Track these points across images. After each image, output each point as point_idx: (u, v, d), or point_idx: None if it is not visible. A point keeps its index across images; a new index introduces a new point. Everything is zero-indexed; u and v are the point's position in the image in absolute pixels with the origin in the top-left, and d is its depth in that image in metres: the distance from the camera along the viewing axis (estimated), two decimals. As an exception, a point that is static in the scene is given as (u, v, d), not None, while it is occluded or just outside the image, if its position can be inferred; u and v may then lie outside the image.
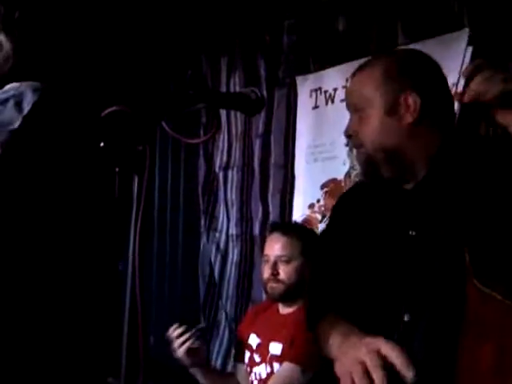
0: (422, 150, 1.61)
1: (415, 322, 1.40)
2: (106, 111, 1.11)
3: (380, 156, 1.61)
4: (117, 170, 1.14)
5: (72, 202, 1.36)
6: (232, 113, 4.09)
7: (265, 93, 3.91)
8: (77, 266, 1.37)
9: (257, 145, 4.06)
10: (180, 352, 2.59)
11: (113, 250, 1.46)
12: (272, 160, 3.96)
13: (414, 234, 1.54)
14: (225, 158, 4.24)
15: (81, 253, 1.38)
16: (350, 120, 1.68)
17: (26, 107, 1.32)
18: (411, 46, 2.95)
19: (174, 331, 2.60)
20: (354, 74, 1.71)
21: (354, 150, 1.73)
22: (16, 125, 1.29)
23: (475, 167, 1.51)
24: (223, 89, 4.21)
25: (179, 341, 2.59)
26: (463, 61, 1.53)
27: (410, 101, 1.60)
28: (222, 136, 4.23)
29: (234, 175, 4.19)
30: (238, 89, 4.16)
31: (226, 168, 4.23)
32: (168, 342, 2.63)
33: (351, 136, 1.68)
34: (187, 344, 2.58)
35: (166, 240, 4.51)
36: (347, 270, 1.68)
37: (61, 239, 1.33)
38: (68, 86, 1.45)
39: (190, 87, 1.28)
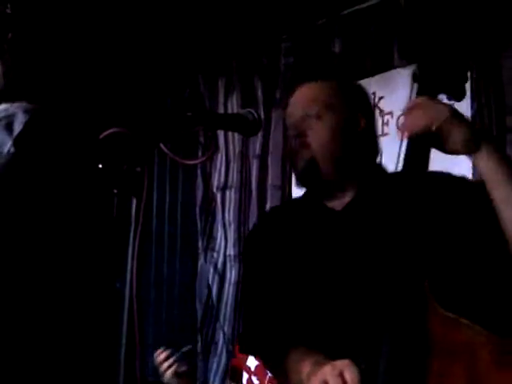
0: (358, 167, 1.70)
1: (373, 350, 1.40)
2: (105, 133, 1.12)
3: (326, 157, 1.68)
4: (115, 191, 1.15)
5: (69, 222, 1.36)
6: (230, 133, 4.11)
7: (262, 114, 3.92)
8: (74, 285, 1.37)
9: (254, 165, 4.07)
10: (167, 376, 2.57)
11: (110, 269, 1.47)
12: (269, 181, 3.97)
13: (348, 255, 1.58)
14: (222, 179, 4.25)
15: (78, 272, 1.38)
16: (300, 121, 1.72)
17: (17, 128, 1.30)
18: (407, 68, 2.98)
19: (159, 355, 2.59)
20: (303, 85, 1.80)
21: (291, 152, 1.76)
22: (7, 147, 1.27)
23: (402, 194, 1.53)
24: (221, 109, 4.23)
25: (165, 365, 2.57)
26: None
27: (362, 120, 1.73)
28: (219, 156, 4.25)
29: (231, 195, 4.19)
30: (235, 109, 4.17)
31: (223, 188, 4.24)
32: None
33: (299, 135, 1.71)
34: (173, 368, 2.56)
35: (163, 260, 4.51)
36: (280, 297, 1.69)
37: (58, 259, 1.33)
38: (63, 106, 1.45)
39: (188, 108, 1.29)
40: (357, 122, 1.73)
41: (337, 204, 1.71)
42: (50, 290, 1.34)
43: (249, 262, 1.84)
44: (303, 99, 1.77)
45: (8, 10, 1.41)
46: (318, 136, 1.69)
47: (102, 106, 3.69)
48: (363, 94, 1.83)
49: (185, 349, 2.67)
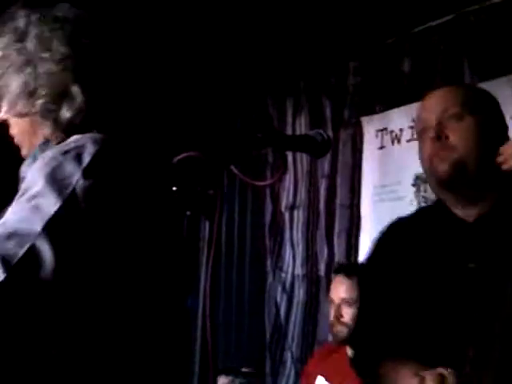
0: (498, 175, 1.61)
1: (481, 357, 1.37)
2: (179, 157, 1.15)
3: (474, 159, 1.61)
4: (188, 213, 1.17)
5: (143, 243, 1.38)
6: (298, 153, 4.12)
7: (330, 133, 3.92)
8: (148, 303, 1.39)
9: (322, 185, 4.07)
10: None
11: (182, 289, 1.48)
12: (338, 200, 3.96)
13: (473, 266, 1.52)
14: (291, 198, 4.26)
15: (152, 291, 1.40)
16: (439, 123, 1.66)
17: (86, 159, 1.31)
18: (479, 85, 2.93)
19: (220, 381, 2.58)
20: (435, 91, 1.74)
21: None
22: (75, 178, 1.29)
23: None
24: (289, 130, 4.25)
25: None
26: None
27: (498, 124, 1.70)
28: (288, 176, 4.26)
29: (299, 215, 4.20)
30: (303, 130, 4.19)
31: (291, 208, 4.25)
32: None
33: (440, 137, 1.65)
34: None
35: (232, 279, 4.53)
36: (400, 307, 1.65)
37: (133, 280, 1.35)
38: (134, 133, 1.47)
39: (258, 129, 1.30)
40: (495, 125, 1.67)
41: (469, 214, 1.64)
42: (123, 309, 1.36)
43: (374, 274, 1.80)
44: (440, 101, 1.70)
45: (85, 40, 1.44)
46: (463, 137, 1.62)
47: (174, 130, 3.76)
48: (494, 99, 1.76)
49: (244, 369, 2.66)
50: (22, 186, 1.33)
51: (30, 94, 1.43)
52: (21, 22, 1.48)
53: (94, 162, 1.31)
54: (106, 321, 1.33)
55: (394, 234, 1.80)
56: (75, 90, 1.44)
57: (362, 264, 3.25)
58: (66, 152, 1.32)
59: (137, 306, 1.37)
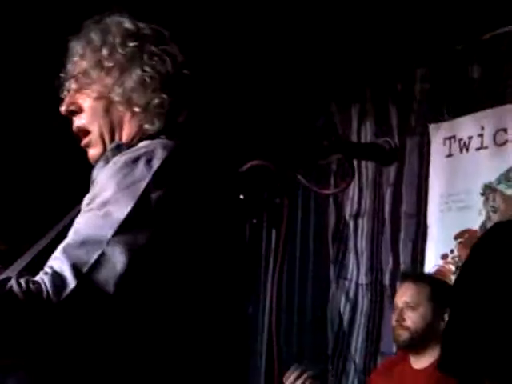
0: None
1: None
2: (247, 165, 1.14)
3: None
4: (254, 221, 1.16)
5: (207, 250, 1.38)
6: (363, 160, 4.08)
7: (396, 141, 3.86)
8: (210, 309, 1.39)
9: (388, 193, 4.02)
10: None
11: (243, 296, 1.48)
12: (403, 209, 3.91)
13: None
14: (355, 206, 4.22)
15: (214, 298, 1.40)
16: None
17: (155, 165, 1.32)
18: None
19: (290, 376, 2.57)
20: None
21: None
22: (145, 182, 1.31)
23: None
24: (354, 137, 4.22)
25: (298, 383, 2.55)
26: None
27: None
28: (352, 184, 4.22)
29: (364, 223, 4.16)
30: (369, 137, 4.15)
31: (356, 216, 4.21)
32: None
33: None
34: None
35: (294, 288, 4.51)
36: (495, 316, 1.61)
37: (196, 285, 1.36)
38: (203, 140, 1.48)
39: (324, 137, 1.28)
40: None
41: None
42: (187, 314, 1.36)
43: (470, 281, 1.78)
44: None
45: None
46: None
47: (241, 139, 3.78)
48: None
49: (317, 367, 2.64)
50: (93, 191, 1.35)
51: (147, 88, 1.47)
52: (130, 26, 1.52)
53: (164, 167, 1.32)
54: (171, 325, 1.34)
55: (492, 242, 1.77)
56: (163, 97, 1.47)
57: (428, 274, 3.21)
58: (136, 158, 1.33)
59: (200, 311, 1.38)
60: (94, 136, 1.53)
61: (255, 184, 1.15)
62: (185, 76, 1.50)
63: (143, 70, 1.48)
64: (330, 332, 4.30)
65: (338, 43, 3.73)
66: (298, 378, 2.57)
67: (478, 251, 1.77)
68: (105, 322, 1.27)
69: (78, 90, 1.53)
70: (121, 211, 1.28)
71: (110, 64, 1.50)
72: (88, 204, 1.33)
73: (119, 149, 1.45)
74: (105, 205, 1.29)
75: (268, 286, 1.12)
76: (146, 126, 1.49)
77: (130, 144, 1.46)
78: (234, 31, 3.53)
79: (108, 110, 1.51)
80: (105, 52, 1.50)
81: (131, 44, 1.50)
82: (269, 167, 1.15)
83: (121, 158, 1.35)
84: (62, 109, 1.55)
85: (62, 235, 1.33)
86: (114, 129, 1.51)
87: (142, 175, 1.31)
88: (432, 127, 3.81)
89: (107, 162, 1.41)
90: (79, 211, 1.36)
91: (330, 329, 4.30)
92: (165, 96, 1.47)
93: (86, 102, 1.52)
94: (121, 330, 1.29)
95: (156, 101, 1.47)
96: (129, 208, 1.28)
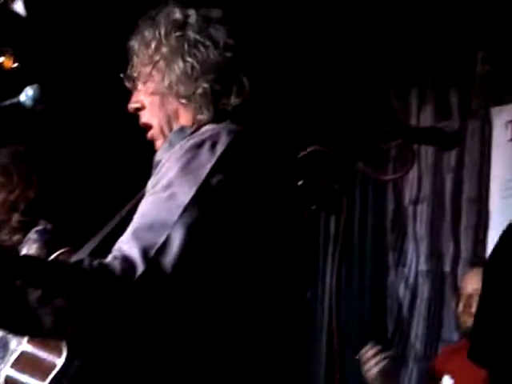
0: None
1: None
2: (306, 151, 1.14)
3: None
4: (313, 207, 1.16)
5: (266, 235, 1.38)
6: (422, 145, 4.03)
7: (457, 125, 3.81)
8: (268, 294, 1.40)
9: (448, 178, 3.95)
10: (372, 373, 2.53)
11: (302, 281, 1.49)
12: (464, 194, 3.84)
13: None
14: (414, 192, 4.17)
15: (273, 283, 1.40)
16: None
17: (220, 149, 1.34)
18: None
19: (368, 351, 2.54)
20: None
21: None
22: (208, 167, 1.32)
23: None
24: (413, 121, 4.16)
25: (372, 362, 2.53)
26: None
27: None
28: (411, 169, 4.17)
29: (423, 209, 4.10)
30: (428, 121, 4.09)
31: (415, 202, 4.15)
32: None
33: None
34: (380, 365, 2.51)
35: (352, 275, 4.49)
36: None
37: (254, 268, 1.36)
38: (265, 125, 1.48)
39: (384, 122, 1.27)
40: None
41: None
42: (246, 298, 1.37)
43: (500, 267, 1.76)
44: None
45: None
46: None
47: (301, 124, 3.77)
48: None
49: (391, 352, 2.62)
50: (158, 175, 1.37)
51: (190, 78, 1.48)
52: (178, 15, 1.53)
53: (227, 152, 1.34)
54: (231, 308, 1.35)
55: None
56: (205, 87, 1.47)
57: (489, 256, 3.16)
58: (201, 143, 1.35)
59: (258, 296, 1.39)
60: (155, 130, 1.56)
61: (314, 170, 1.15)
62: (232, 60, 1.49)
63: (185, 61, 1.49)
64: (389, 319, 4.27)
65: (398, 27, 3.68)
66: (374, 355, 2.54)
67: (507, 239, 1.74)
68: (170, 304, 1.29)
69: (138, 88, 1.57)
70: (185, 195, 1.30)
71: (157, 58, 1.52)
72: (153, 187, 1.36)
73: (183, 131, 1.46)
74: (169, 188, 1.31)
75: (328, 272, 1.12)
76: (199, 117, 1.49)
77: (195, 128, 1.47)
78: (294, 14, 3.52)
79: (163, 103, 1.53)
80: (152, 47, 1.52)
81: (174, 35, 1.51)
82: (328, 153, 1.15)
83: (186, 143, 1.37)
84: (129, 107, 1.60)
85: (128, 219, 1.35)
86: (171, 121, 1.53)
87: (206, 160, 1.33)
88: (494, 110, 3.73)
89: (170, 145, 1.43)
90: (144, 195, 1.39)
91: (389, 316, 4.27)
92: (206, 85, 1.47)
93: (146, 98, 1.56)
94: (184, 311, 1.31)
95: (200, 90, 1.48)
96: (192, 192, 1.30)
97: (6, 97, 1.72)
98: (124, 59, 1.58)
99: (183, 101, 1.50)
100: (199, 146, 1.35)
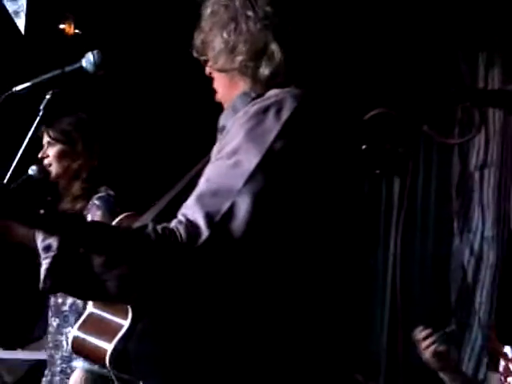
0: None
1: None
2: (370, 114, 1.11)
3: None
4: (377, 172, 1.14)
5: (331, 200, 1.37)
6: (489, 109, 3.93)
7: (526, 88, 3.69)
8: (333, 258, 1.39)
9: (516, 143, 3.86)
10: (425, 355, 2.52)
11: (365, 247, 1.47)
12: (533, 159, 3.75)
13: None
14: (481, 157, 4.08)
15: (337, 248, 1.40)
16: None
17: (285, 115, 1.33)
18: None
19: (420, 333, 2.53)
20: None
21: None
22: (274, 133, 1.31)
23: None
24: (480, 85, 4.06)
25: (425, 343, 2.52)
26: None
27: None
28: (478, 133, 4.08)
29: (490, 175, 4.02)
30: (496, 85, 3.99)
31: (482, 167, 4.07)
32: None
33: None
34: (433, 347, 2.50)
35: (415, 241, 4.44)
36: None
37: (317, 234, 1.36)
38: (329, 89, 1.46)
39: (451, 85, 1.23)
40: None
41: None
42: (310, 265, 1.37)
43: None
44: None
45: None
46: None
47: (364, 86, 3.72)
48: None
49: (448, 329, 2.59)
50: (223, 141, 1.37)
51: (231, 50, 1.47)
52: None
53: (293, 118, 1.32)
54: (296, 274, 1.35)
55: None
56: (274, 47, 1.45)
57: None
58: (266, 108, 1.34)
59: (322, 261, 1.38)
60: (218, 96, 1.56)
61: (378, 133, 1.12)
62: (303, 24, 1.47)
63: (227, 32, 1.47)
64: (452, 286, 4.22)
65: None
66: (425, 338, 2.53)
67: None
68: (234, 270, 1.29)
69: (206, 60, 1.56)
70: (250, 161, 1.29)
71: (207, 28, 1.51)
72: (218, 153, 1.36)
73: (246, 96, 1.46)
74: (235, 154, 1.31)
75: (391, 240, 1.10)
76: (259, 75, 1.47)
77: (257, 93, 1.45)
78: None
79: (221, 73, 1.53)
80: (208, 17, 1.52)
81: (222, 4, 1.50)
82: (393, 115, 1.12)
83: (251, 108, 1.36)
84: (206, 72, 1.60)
85: (193, 184, 1.36)
86: (231, 91, 1.52)
87: (272, 126, 1.32)
88: None
89: (234, 110, 1.43)
90: (208, 161, 1.39)
91: (452, 282, 4.22)
92: (242, 57, 1.45)
93: (210, 66, 1.55)
94: (248, 278, 1.32)
95: (243, 62, 1.46)
96: (258, 158, 1.29)
97: (68, 63, 1.74)
98: (182, 22, 1.57)
99: (232, 72, 1.49)
100: (264, 111, 1.34)
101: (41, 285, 1.26)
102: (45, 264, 1.24)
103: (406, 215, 1.12)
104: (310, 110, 1.36)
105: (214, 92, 1.57)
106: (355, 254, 1.44)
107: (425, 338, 2.51)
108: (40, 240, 1.26)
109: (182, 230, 1.26)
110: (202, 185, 1.32)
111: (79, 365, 2.67)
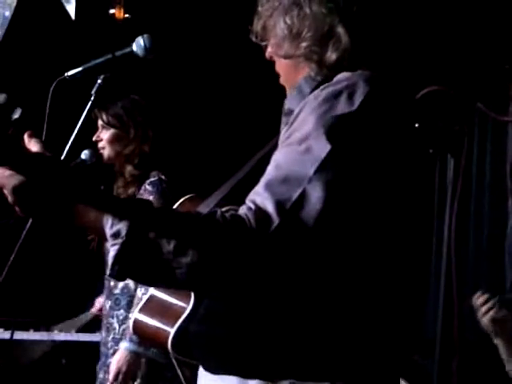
0: None
1: None
2: (423, 91, 1.09)
3: None
4: (431, 151, 1.11)
5: (395, 184, 1.35)
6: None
7: None
8: (399, 240, 1.38)
9: None
10: (484, 321, 2.49)
11: (425, 226, 1.45)
12: None
13: None
14: (537, 134, 3.97)
15: (402, 230, 1.38)
16: None
17: (358, 99, 1.30)
18: None
19: (478, 298, 2.50)
20: None
21: None
22: (347, 120, 1.27)
23: None
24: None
25: (483, 309, 2.49)
26: None
27: None
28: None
29: (548, 152, 3.91)
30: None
31: (538, 145, 3.96)
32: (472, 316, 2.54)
33: None
34: (491, 312, 2.47)
35: (469, 221, 4.36)
36: None
37: (385, 220, 1.34)
38: (388, 69, 1.42)
39: (505, 62, 1.20)
40: None
41: None
42: (380, 250, 1.36)
43: None
44: None
45: None
46: None
47: (418, 63, 3.66)
48: None
49: (508, 296, 2.56)
50: (292, 126, 1.34)
51: (296, 36, 1.44)
52: None
53: (366, 103, 1.29)
54: (365, 260, 1.34)
55: None
56: (340, 30, 1.42)
57: None
58: (338, 92, 1.31)
59: (391, 245, 1.38)
60: (282, 79, 1.54)
61: (432, 111, 1.09)
62: (367, 7, 1.43)
63: (290, 17, 1.44)
64: (507, 266, 4.14)
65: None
66: (483, 304, 2.50)
67: None
68: (305, 259, 1.27)
69: (266, 45, 1.54)
70: (322, 148, 1.26)
71: (268, 13, 1.48)
72: (287, 138, 1.33)
73: (312, 79, 1.43)
74: (305, 140, 1.28)
75: (446, 223, 1.08)
76: (325, 60, 1.44)
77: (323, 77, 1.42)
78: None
79: (283, 59, 1.50)
80: (267, 0, 1.49)
81: None
82: (447, 92, 1.09)
83: (322, 92, 1.33)
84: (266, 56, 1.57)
85: (259, 168, 1.34)
86: (296, 75, 1.49)
87: (344, 112, 1.28)
88: None
89: (300, 93, 1.41)
90: (274, 145, 1.37)
91: (508, 263, 4.14)
92: (307, 43, 1.43)
93: (271, 50, 1.53)
94: (317, 266, 1.30)
95: (308, 48, 1.43)
96: (329, 145, 1.26)
97: (119, 48, 1.75)
98: (235, 3, 1.56)
99: (294, 59, 1.47)
100: (336, 96, 1.30)
101: (108, 271, 1.24)
102: (113, 250, 1.22)
103: (460, 195, 1.09)
104: (382, 94, 1.33)
105: (274, 75, 1.54)
106: (419, 239, 1.42)
107: (483, 304, 2.48)
108: (108, 226, 1.23)
109: (251, 217, 1.23)
110: (272, 171, 1.29)
111: (124, 345, 2.71)
